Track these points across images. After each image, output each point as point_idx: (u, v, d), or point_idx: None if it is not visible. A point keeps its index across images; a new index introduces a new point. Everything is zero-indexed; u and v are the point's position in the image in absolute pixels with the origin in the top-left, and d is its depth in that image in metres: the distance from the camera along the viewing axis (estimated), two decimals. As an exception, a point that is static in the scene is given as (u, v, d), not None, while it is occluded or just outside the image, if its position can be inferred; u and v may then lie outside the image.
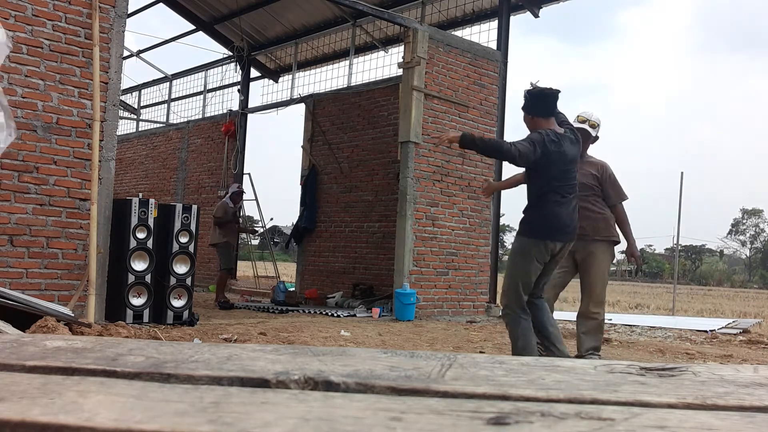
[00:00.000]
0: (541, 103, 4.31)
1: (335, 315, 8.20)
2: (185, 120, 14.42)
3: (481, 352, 5.64)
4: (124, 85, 13.81)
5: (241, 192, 10.31)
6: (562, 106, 4.43)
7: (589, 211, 4.86)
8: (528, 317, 4.35)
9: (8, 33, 3.27)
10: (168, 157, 14.58)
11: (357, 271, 10.49)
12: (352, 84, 11.45)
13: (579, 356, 4.86)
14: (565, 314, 10.77)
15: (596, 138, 5.10)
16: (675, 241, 16.11)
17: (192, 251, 6.65)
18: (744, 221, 77.27)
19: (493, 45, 9.59)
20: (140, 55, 14.81)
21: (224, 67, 13.67)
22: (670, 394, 0.80)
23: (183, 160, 14.08)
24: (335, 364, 0.93)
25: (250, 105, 13.30)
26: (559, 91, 4.31)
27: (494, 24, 9.88)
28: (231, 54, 13.25)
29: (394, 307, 8.15)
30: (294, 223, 11.63)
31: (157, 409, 0.69)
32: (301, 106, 11.97)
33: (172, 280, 6.48)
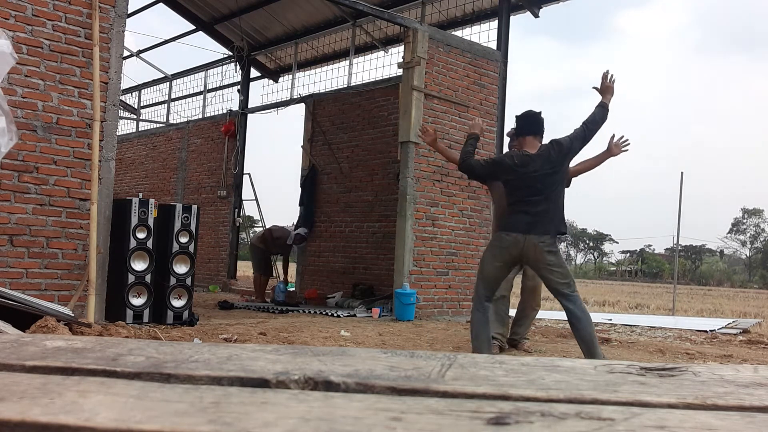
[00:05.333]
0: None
1: (335, 315, 8.20)
2: (185, 120, 14.41)
3: (481, 352, 5.64)
4: (124, 85, 13.78)
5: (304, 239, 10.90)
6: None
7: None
8: None
9: (10, 42, 3.26)
10: (168, 157, 14.58)
11: (357, 271, 10.49)
12: (352, 84, 11.44)
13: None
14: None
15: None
16: (675, 241, 16.13)
17: (192, 251, 6.65)
18: (744, 221, 77.35)
19: (493, 45, 9.58)
20: (140, 55, 14.80)
21: (224, 67, 13.65)
22: (670, 394, 0.80)
23: (183, 160, 14.08)
24: (335, 364, 0.93)
25: (250, 105, 13.28)
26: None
27: (494, 24, 9.87)
28: (231, 54, 13.24)
29: (394, 307, 8.15)
30: (294, 223, 11.62)
31: (157, 409, 0.69)
32: (301, 106, 11.97)
33: (172, 280, 6.49)
